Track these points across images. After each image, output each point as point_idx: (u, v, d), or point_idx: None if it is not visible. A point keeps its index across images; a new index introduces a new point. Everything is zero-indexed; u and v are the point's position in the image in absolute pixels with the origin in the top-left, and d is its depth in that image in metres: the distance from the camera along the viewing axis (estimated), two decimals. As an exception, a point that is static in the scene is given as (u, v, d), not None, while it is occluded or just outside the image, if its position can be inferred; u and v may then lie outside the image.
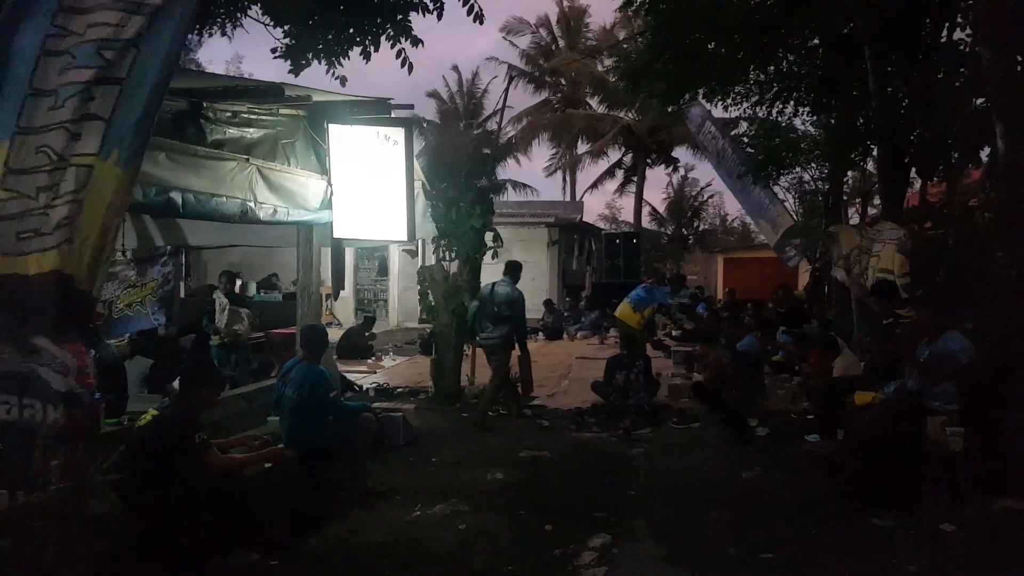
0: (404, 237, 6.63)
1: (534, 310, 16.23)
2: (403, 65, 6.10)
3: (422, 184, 7.64)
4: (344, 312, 18.82)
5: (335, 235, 6.74)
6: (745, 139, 15.78)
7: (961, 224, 7.58)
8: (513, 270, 8.10)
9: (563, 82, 34.53)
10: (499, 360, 7.73)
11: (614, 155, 32.64)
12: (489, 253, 8.71)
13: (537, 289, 17.56)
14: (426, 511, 4.82)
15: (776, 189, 16.45)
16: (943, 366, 4.58)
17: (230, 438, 4.32)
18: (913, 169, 9.64)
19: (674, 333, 12.78)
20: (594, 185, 33.64)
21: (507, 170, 34.12)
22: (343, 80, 6.41)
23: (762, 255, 22.74)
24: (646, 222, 35.23)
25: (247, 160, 5.47)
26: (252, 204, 5.45)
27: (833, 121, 12.57)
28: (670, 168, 32.74)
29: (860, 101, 10.77)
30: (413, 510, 4.84)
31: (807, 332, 9.72)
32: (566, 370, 11.04)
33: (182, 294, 12.42)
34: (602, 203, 55.78)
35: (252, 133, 5.69)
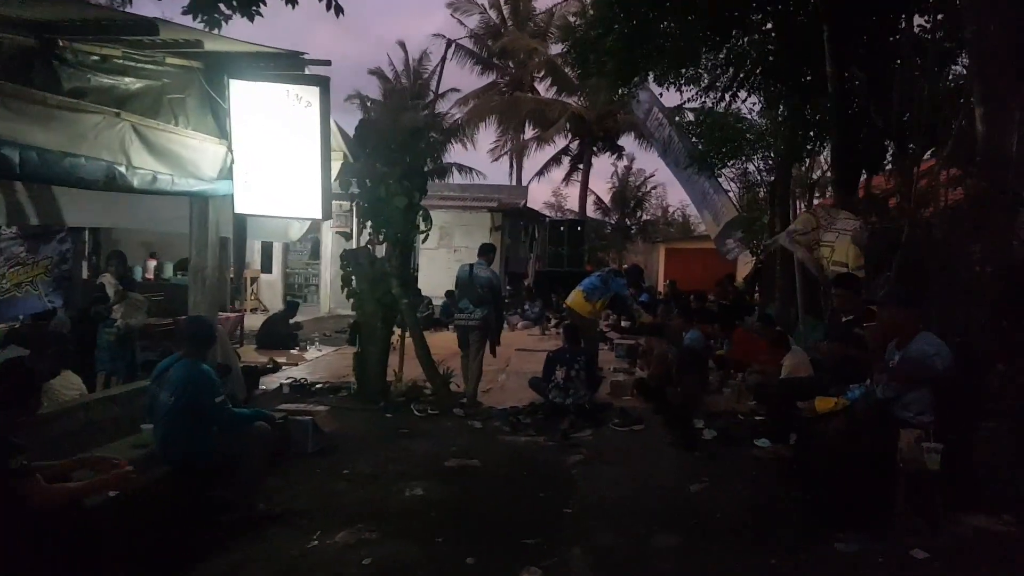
0: (318, 213, 5.80)
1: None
2: (329, 7, 5.23)
3: (344, 155, 6.80)
4: (272, 298, 17.75)
5: (236, 209, 5.86)
6: (691, 128, 15.39)
7: (915, 217, 7.19)
8: (487, 252, 8.26)
9: (511, 65, 33.73)
10: (477, 342, 7.70)
11: (560, 142, 32.10)
12: (420, 236, 7.93)
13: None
14: (325, 540, 4.06)
15: (721, 180, 16.14)
16: (916, 371, 4.06)
17: (69, 459, 3.47)
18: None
19: (624, 324, 12.23)
20: (540, 172, 33.09)
21: (453, 153, 33.22)
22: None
23: (703, 246, 22.57)
24: (591, 211, 34.89)
25: (117, 115, 4.57)
26: (123, 168, 4.55)
27: (783, 109, 12.22)
28: (615, 156, 32.40)
29: (812, 88, 10.40)
30: (310, 539, 4.07)
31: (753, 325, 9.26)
32: (504, 363, 10.35)
33: (84, 275, 11.35)
34: (548, 191, 55.43)
35: (128, 83, 4.76)
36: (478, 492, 4.95)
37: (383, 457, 5.69)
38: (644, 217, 38.94)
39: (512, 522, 4.41)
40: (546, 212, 30.17)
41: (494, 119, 31.95)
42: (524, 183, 32.58)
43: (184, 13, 5.35)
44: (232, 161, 5.76)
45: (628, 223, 38.08)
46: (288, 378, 8.41)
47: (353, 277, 7.70)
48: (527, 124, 31.77)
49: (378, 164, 7.53)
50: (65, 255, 10.08)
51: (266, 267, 18.07)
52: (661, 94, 13.52)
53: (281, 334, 11.85)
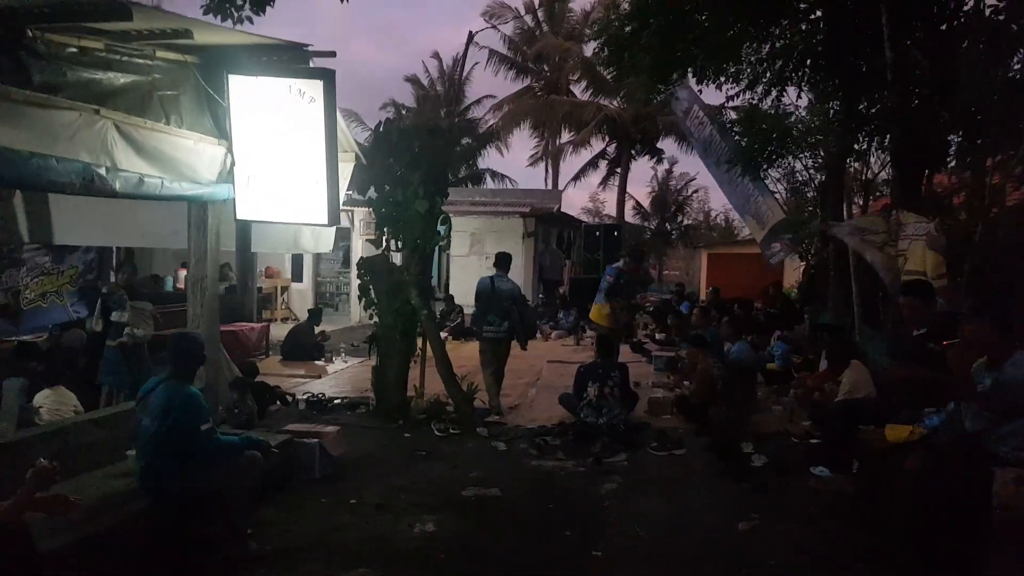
0: (324, 219, 5.34)
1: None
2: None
3: (357, 156, 6.34)
4: (303, 307, 17.44)
5: (238, 215, 5.45)
6: (734, 126, 14.64)
7: (989, 216, 6.44)
8: (504, 262, 8.25)
9: (546, 68, 33.26)
10: (503, 353, 7.89)
11: (597, 145, 31.44)
12: (441, 243, 7.43)
13: (511, 285, 16.29)
14: (316, 588, 3.56)
15: (767, 181, 15.34)
16: (1015, 398, 3.38)
17: (16, 498, 3.01)
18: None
19: (657, 336, 11.57)
20: (577, 177, 32.43)
21: (487, 160, 32.89)
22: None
23: (747, 251, 21.68)
24: (629, 216, 34.13)
25: (96, 111, 4.17)
26: (103, 171, 4.14)
27: (835, 103, 11.43)
28: (654, 160, 31.62)
29: (867, 80, 9.63)
30: (299, 586, 3.58)
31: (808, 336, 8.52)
32: (535, 376, 9.80)
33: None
34: (586, 197, 54.67)
35: (112, 78, 4.36)
36: (496, 528, 4.40)
37: (395, 484, 5.18)
38: (685, 222, 38.02)
39: (531, 567, 3.85)
40: (584, 218, 29.56)
41: (528, 123, 31.50)
42: (560, 189, 32.02)
43: (205, 13, 5.00)
44: (232, 163, 5.35)
45: (668, 228, 37.19)
46: (305, 393, 7.97)
47: (371, 287, 7.24)
48: (563, 128, 31.22)
49: (397, 166, 7.05)
50: (91, 264, 9.87)
51: (297, 276, 17.80)
52: (700, 91, 12.81)
53: (306, 345, 11.46)
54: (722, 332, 7.91)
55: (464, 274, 15.26)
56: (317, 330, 11.91)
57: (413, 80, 35.28)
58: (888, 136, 9.47)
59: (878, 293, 8.37)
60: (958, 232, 6.53)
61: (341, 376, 9.91)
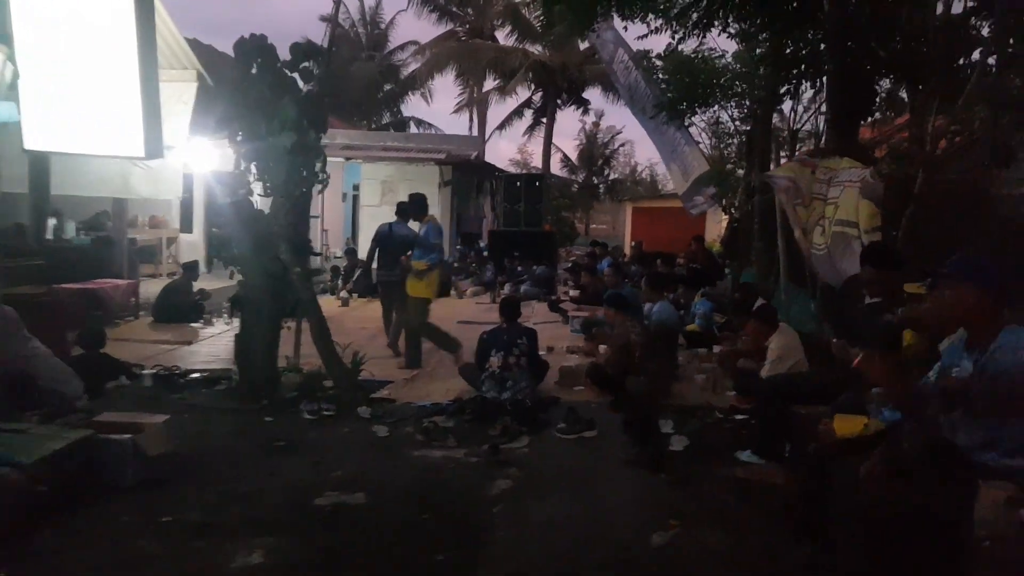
0: (140, 151, 4.12)
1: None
2: None
3: (200, 75, 5.07)
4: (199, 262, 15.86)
5: (26, 145, 4.16)
6: (659, 72, 13.79)
7: (932, 160, 5.74)
8: (406, 209, 8.02)
9: (470, 11, 31.59)
10: (398, 297, 7.77)
11: (524, 94, 30.22)
12: (318, 187, 6.26)
13: (425, 237, 15.15)
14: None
15: (693, 131, 14.63)
16: (1008, 388, 2.58)
17: None
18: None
19: (571, 294, 10.72)
20: (502, 126, 31.27)
21: (412, 107, 31.32)
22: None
23: (672, 205, 21.16)
24: (557, 169, 33.28)
25: None
26: None
27: (761, 49, 10.66)
28: (581, 110, 30.65)
29: (796, 17, 8.83)
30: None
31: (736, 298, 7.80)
32: (440, 341, 8.79)
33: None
34: (515, 149, 53.38)
35: None
36: (346, 554, 3.41)
37: (233, 491, 4.11)
38: (612, 176, 37.44)
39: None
40: (512, 171, 28.43)
41: (452, 70, 29.95)
42: (486, 138, 30.75)
43: None
44: (15, 75, 4.04)
45: (595, 182, 36.53)
46: (155, 366, 6.74)
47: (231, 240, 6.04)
48: (488, 75, 29.81)
49: (263, 90, 5.79)
50: None
51: (187, 226, 16.11)
52: (626, 28, 11.82)
53: (181, 305, 10.09)
54: (643, 292, 7.07)
55: (375, 225, 14.02)
56: (196, 287, 10.55)
57: (330, 20, 33.02)
58: (822, 79, 8.76)
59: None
60: (898, 180, 5.80)
61: (216, 342, 8.67)
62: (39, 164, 4.42)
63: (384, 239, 8.09)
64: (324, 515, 3.83)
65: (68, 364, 5.54)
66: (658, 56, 13.35)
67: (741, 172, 12.53)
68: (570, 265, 13.83)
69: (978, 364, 2.70)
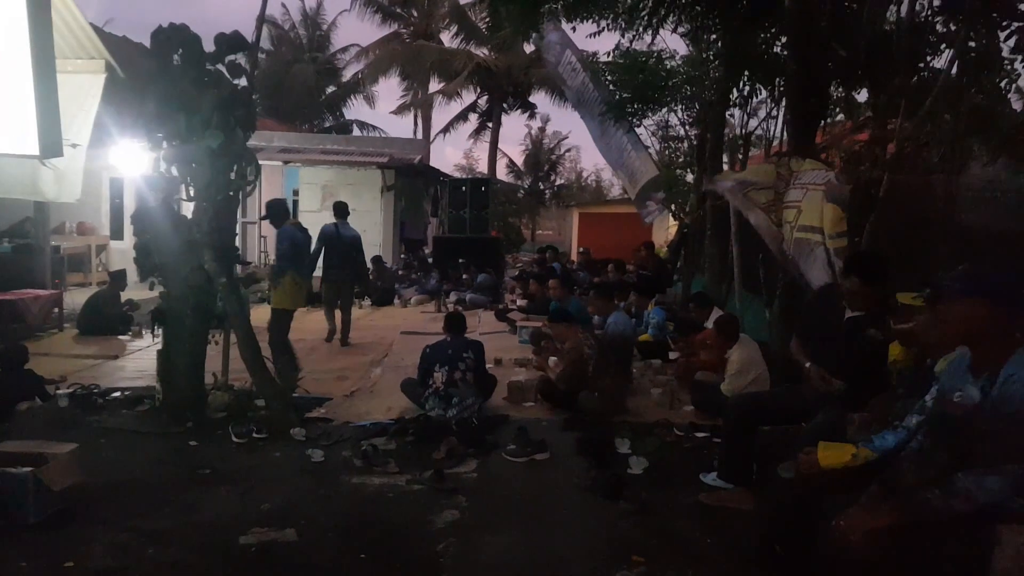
0: (35, 148, 3.64)
1: (361, 268, 13.40)
2: None
3: (108, 65, 4.57)
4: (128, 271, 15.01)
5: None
6: (607, 73, 13.65)
7: (900, 163, 5.63)
8: (344, 211, 9.08)
9: (414, 13, 31.11)
10: (348, 295, 8.90)
11: (469, 98, 29.86)
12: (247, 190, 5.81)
13: (368, 243, 14.53)
14: None
15: (641, 133, 14.54)
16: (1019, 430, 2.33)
17: None
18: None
19: (518, 303, 10.42)
20: (446, 129, 30.79)
21: (355, 110, 30.71)
22: None
23: (618, 211, 21.13)
24: (503, 174, 33.05)
25: None
26: None
27: (712, 46, 10.59)
28: (527, 114, 30.48)
29: (749, 17, 8.74)
30: None
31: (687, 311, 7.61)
32: (382, 352, 8.40)
33: None
34: (460, 154, 52.96)
35: None
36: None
37: (146, 528, 3.66)
38: (558, 181, 37.41)
39: None
40: (457, 175, 28.05)
41: (396, 72, 29.42)
42: (431, 142, 30.29)
43: None
44: None
45: (541, 187, 36.44)
46: (72, 385, 6.16)
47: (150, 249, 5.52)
48: (432, 77, 29.38)
49: (185, 85, 5.31)
50: None
51: (117, 233, 15.23)
52: (575, 28, 11.62)
53: (109, 316, 9.44)
54: (591, 303, 6.80)
55: (315, 232, 13.44)
56: (125, 298, 9.89)
57: (271, 21, 32.18)
58: (776, 80, 8.68)
59: (758, 255, 7.60)
60: (862, 182, 5.67)
61: (144, 356, 8.06)
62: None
63: (332, 239, 8.61)
64: (249, 556, 3.42)
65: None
66: (608, 55, 13.19)
67: (691, 177, 12.45)
68: (517, 272, 13.52)
69: (987, 392, 2.44)
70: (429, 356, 5.71)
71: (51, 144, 3.65)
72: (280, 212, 7.42)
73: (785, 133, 7.08)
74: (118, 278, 9.82)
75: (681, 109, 13.01)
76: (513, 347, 8.06)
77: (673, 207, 13.06)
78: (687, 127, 13.22)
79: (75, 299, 10.12)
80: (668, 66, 12.19)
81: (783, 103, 10.34)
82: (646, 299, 7.76)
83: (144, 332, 9.25)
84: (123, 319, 9.57)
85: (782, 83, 9.47)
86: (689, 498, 4.07)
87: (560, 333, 6.01)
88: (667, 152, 14.44)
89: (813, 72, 6.37)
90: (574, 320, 6.23)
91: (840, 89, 8.07)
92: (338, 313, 8.90)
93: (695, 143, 12.44)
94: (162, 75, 5.24)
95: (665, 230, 19.41)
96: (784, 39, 8.86)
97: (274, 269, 7.26)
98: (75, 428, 5.20)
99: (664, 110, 13.13)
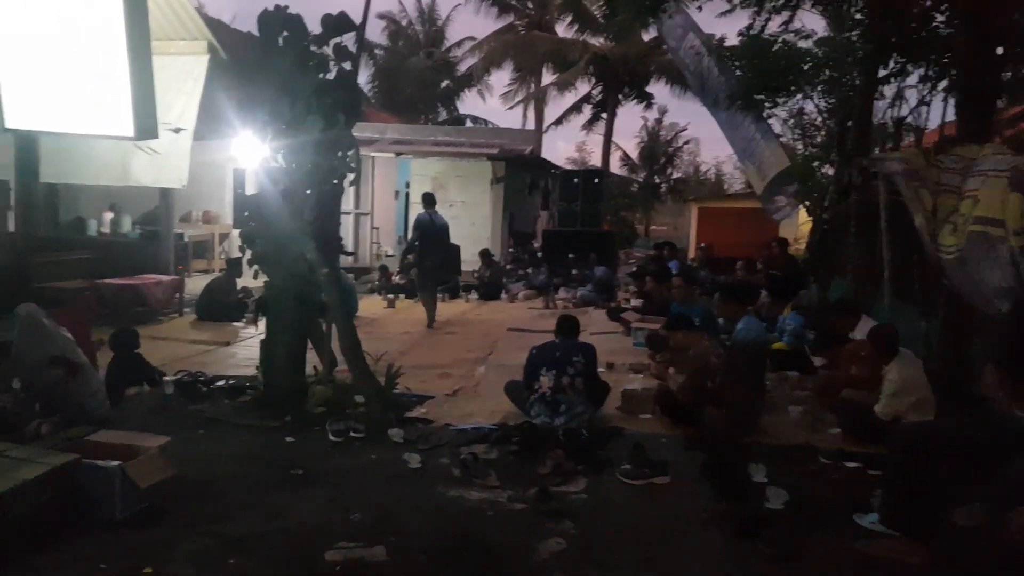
0: (130, 131, 3.45)
1: (471, 261, 13.18)
2: None
3: (211, 46, 4.39)
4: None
5: (7, 124, 3.54)
6: (733, 58, 12.66)
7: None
8: (432, 200, 9.44)
9: (530, 5, 30.75)
10: (438, 282, 9.64)
11: (583, 88, 29.14)
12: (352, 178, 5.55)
13: (477, 236, 14.43)
14: None
15: (772, 122, 13.44)
16: None
17: None
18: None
19: (633, 302, 9.76)
20: (559, 121, 30.18)
21: (469, 105, 30.87)
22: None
23: (741, 205, 19.92)
24: (617, 168, 32.14)
25: None
26: None
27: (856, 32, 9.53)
28: (644, 104, 29.37)
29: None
30: None
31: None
32: (487, 349, 8.03)
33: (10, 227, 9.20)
34: (572, 147, 52.25)
35: None
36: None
37: (230, 535, 3.41)
38: (675, 175, 36.03)
39: None
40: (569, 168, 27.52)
41: (509, 64, 29.17)
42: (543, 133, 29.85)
43: None
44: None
45: (657, 181, 35.24)
46: (180, 372, 6.15)
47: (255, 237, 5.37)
48: (546, 68, 28.91)
49: (289, 68, 5.10)
50: None
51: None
52: (700, 7, 10.82)
53: (224, 303, 9.63)
54: (718, 306, 6.11)
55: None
56: (240, 285, 10.06)
57: (388, 17, 32.84)
58: (937, 57, 7.62)
59: (913, 256, 6.64)
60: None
61: (255, 344, 8.02)
62: (26, 148, 3.83)
63: (428, 228, 9.02)
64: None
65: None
66: (738, 38, 12.22)
67: (830, 168, 11.33)
68: (635, 269, 12.81)
69: None
70: (536, 358, 5.26)
71: (146, 126, 3.46)
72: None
73: (943, 118, 6.08)
74: (233, 266, 9.97)
75: (818, 95, 11.88)
76: (627, 350, 7.48)
77: (807, 202, 11.94)
78: (825, 114, 12.06)
79: (197, 285, 10.42)
80: (802, 48, 11.12)
81: (940, 84, 9.20)
82: (781, 303, 6.97)
83: (258, 320, 9.38)
84: (238, 306, 9.71)
85: (941, 61, 8.37)
86: (842, 544, 3.39)
87: (682, 339, 5.38)
88: (802, 142, 13.28)
89: (989, 45, 5.39)
90: (695, 327, 5.57)
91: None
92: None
93: (835, 132, 11.30)
94: (266, 58, 5.05)
95: (794, 227, 18.07)
96: (945, 9, 7.79)
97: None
98: (176, 416, 5.14)
99: (799, 96, 12.05)
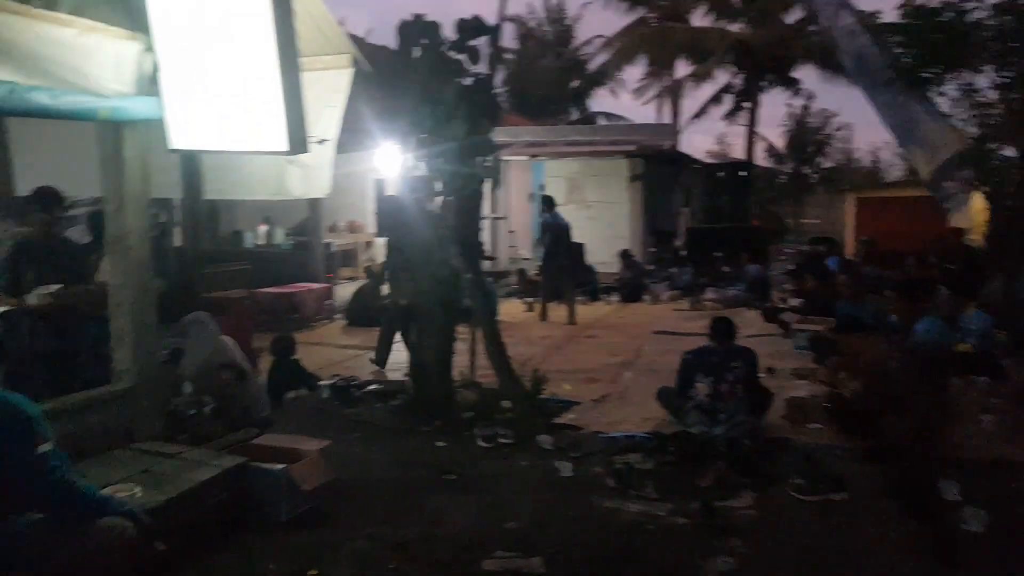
0: (283, 145, 3.56)
1: (610, 262, 12.92)
2: None
3: (353, 59, 4.49)
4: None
5: (172, 144, 3.76)
6: (892, 33, 11.56)
7: None
8: (552, 202, 10.07)
9: (663, -4, 29.94)
10: (570, 280, 9.85)
11: (723, 79, 27.89)
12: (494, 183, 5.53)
13: (614, 236, 14.12)
14: None
15: (940, 102, 12.18)
16: None
17: None
18: None
19: (790, 302, 9.11)
20: (698, 114, 29.07)
21: (600, 102, 30.52)
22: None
23: (903, 194, 18.23)
24: (761, 159, 30.56)
25: None
26: None
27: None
28: (790, 91, 27.68)
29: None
30: None
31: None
32: (633, 353, 7.77)
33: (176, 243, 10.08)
34: (710, 141, 50.37)
35: None
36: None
37: (391, 537, 3.44)
38: (825, 164, 33.76)
39: None
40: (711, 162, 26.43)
41: (642, 59, 28.48)
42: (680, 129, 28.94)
43: None
44: (156, 67, 3.65)
45: (806, 171, 33.19)
46: (334, 376, 6.38)
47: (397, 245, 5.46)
48: (681, 60, 27.97)
49: (427, 76, 5.14)
50: (155, 223, 8.90)
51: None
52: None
53: (372, 308, 9.98)
54: (894, 305, 5.53)
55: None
56: (385, 291, 10.41)
57: (516, 20, 33.13)
58: None
59: None
60: None
61: (402, 348, 8.24)
62: (190, 167, 4.11)
63: (555, 229, 9.62)
64: (490, 587, 3.01)
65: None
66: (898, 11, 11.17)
67: (1011, 150, 10.08)
68: (792, 267, 12.01)
69: None
70: (690, 363, 4.98)
71: (298, 140, 3.55)
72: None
73: None
74: (373, 273, 10.36)
75: (994, 68, 10.62)
76: (788, 354, 6.96)
77: (986, 187, 10.69)
78: (1005, 90, 10.75)
79: (345, 292, 10.91)
80: (973, 18, 9.97)
81: None
82: (963, 300, 6.22)
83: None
84: (384, 311, 10.04)
85: None
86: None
87: (854, 341, 4.90)
88: (974, 122, 11.93)
89: None
90: (867, 328, 5.07)
91: None
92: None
93: (1016, 109, 10.04)
94: (406, 67, 5.12)
95: (966, 216, 16.31)
96: None
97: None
98: (332, 420, 5.31)
99: (968, 72, 10.83)
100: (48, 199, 4.23)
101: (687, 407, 4.82)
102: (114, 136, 3.67)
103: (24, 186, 5.43)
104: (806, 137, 31.31)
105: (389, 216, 5.43)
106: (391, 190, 7.14)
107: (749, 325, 8.68)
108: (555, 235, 9.64)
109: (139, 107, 3.60)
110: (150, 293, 3.89)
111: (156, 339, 4.04)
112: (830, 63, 22.30)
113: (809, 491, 3.79)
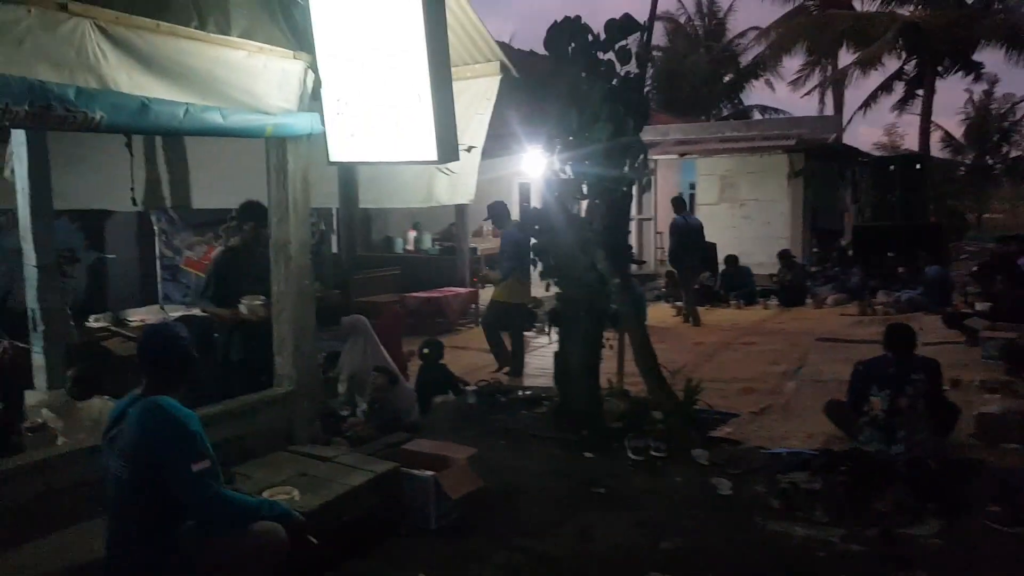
0: (433, 155, 3.60)
1: (768, 264, 12.22)
2: None
3: (503, 66, 4.48)
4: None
5: (332, 158, 3.93)
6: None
7: None
8: (683, 203, 9.98)
9: (824, -18, 28.08)
10: (694, 279, 9.96)
11: (891, 65, 25.67)
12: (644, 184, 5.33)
13: (772, 236, 13.36)
14: None
15: None
16: None
17: None
18: None
19: (978, 307, 8.12)
20: (865, 104, 26.91)
21: (755, 95, 29.14)
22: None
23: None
24: (937, 150, 27.85)
25: (62, 7, 2.83)
26: (72, 93, 2.80)
27: None
28: (971, 76, 24.99)
29: None
30: None
31: None
32: (795, 361, 7.24)
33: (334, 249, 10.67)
34: (877, 133, 46.60)
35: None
36: None
37: (539, 552, 3.37)
38: (1012, 153, 30.21)
39: None
40: (880, 155, 24.37)
41: (801, 49, 26.81)
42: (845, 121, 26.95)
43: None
44: (317, 83, 3.83)
45: (990, 162, 29.88)
46: (481, 381, 6.43)
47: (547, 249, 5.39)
48: (843, 47, 26.03)
49: (576, 77, 5.04)
50: (313, 231, 9.55)
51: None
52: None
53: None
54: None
55: (713, 226, 12.56)
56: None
57: (666, 17, 32.36)
58: None
59: None
60: None
61: (545, 353, 8.26)
62: (347, 178, 4.29)
63: (683, 229, 9.52)
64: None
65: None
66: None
67: None
68: (977, 268, 10.76)
69: None
70: (863, 375, 4.53)
71: (448, 150, 3.58)
72: (503, 215, 7.21)
73: None
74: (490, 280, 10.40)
75: None
76: (975, 364, 6.20)
77: None
78: None
79: (489, 297, 11.06)
80: None
81: None
82: None
83: (548, 329, 9.61)
84: (528, 316, 10.04)
85: None
86: None
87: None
88: None
89: None
90: None
91: None
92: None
93: None
94: (556, 70, 5.05)
95: None
96: None
97: (501, 271, 7.24)
98: (479, 425, 5.31)
99: None
100: (254, 211, 4.44)
101: (860, 423, 4.39)
102: (278, 150, 3.88)
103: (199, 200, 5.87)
104: (989, 125, 28.17)
105: (533, 221, 5.36)
106: (535, 195, 7.20)
107: (928, 332, 7.83)
108: (679, 237, 9.62)
109: (302, 123, 3.78)
110: (310, 299, 4.07)
111: (315, 344, 4.21)
112: (1019, 42, 19.94)
113: (1008, 520, 3.29)
